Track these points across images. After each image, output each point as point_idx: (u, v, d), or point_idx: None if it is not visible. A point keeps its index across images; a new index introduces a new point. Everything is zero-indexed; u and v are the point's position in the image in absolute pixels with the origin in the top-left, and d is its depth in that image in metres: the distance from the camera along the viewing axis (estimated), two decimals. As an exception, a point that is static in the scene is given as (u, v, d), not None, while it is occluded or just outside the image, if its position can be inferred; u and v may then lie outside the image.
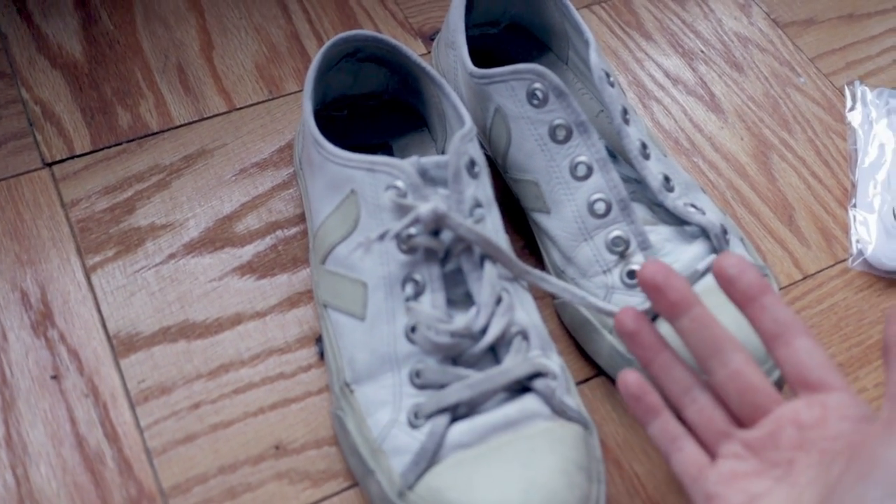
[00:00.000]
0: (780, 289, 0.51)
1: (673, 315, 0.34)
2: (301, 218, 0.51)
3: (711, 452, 0.36)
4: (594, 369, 0.47)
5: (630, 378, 0.36)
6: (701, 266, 0.44)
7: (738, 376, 0.33)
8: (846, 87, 0.61)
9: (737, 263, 0.33)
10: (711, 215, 0.46)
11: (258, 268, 0.49)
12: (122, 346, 0.46)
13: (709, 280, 0.44)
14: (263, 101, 0.57)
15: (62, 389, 0.44)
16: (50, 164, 0.52)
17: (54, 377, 0.44)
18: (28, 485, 0.41)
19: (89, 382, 0.44)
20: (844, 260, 0.52)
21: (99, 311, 0.47)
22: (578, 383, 0.47)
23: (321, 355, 0.46)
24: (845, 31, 0.64)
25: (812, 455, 0.32)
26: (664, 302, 0.34)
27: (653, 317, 0.43)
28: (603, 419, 0.45)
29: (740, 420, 0.35)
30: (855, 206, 0.54)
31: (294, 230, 0.51)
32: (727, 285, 0.34)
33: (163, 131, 0.55)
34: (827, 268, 0.52)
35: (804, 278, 0.51)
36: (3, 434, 0.43)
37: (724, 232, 0.45)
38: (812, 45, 0.63)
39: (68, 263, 0.48)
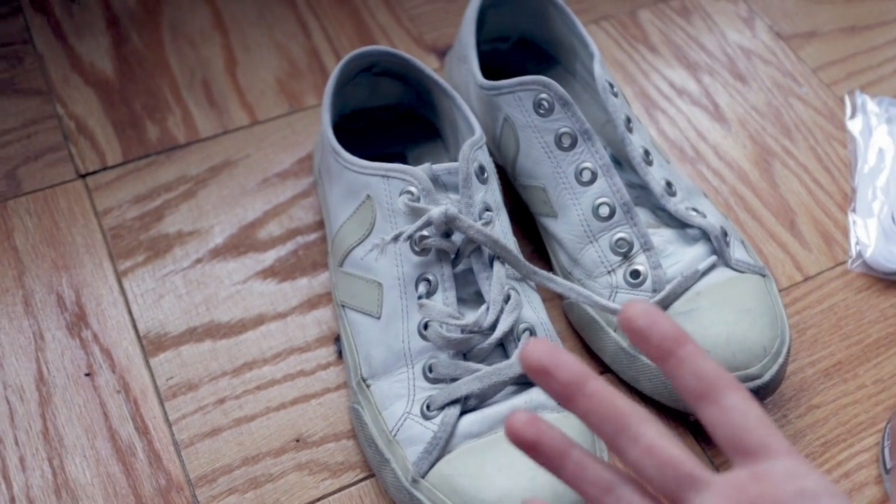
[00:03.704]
0: (781, 290, 0.53)
1: (566, 397, 0.29)
2: (320, 224, 0.54)
3: None
4: (600, 367, 0.49)
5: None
6: (701, 266, 0.46)
7: (652, 451, 0.28)
8: (847, 97, 0.62)
9: (646, 312, 0.28)
10: (712, 218, 0.48)
11: (280, 272, 0.52)
12: (152, 345, 0.48)
13: (708, 280, 0.46)
14: (284, 115, 0.60)
15: (95, 386, 0.47)
16: (84, 176, 0.55)
17: (88, 374, 0.47)
18: (64, 475, 0.44)
19: (121, 379, 0.47)
20: (844, 262, 0.54)
21: (130, 312, 0.50)
22: (585, 380, 0.48)
23: (339, 354, 0.49)
24: (846, 43, 0.66)
25: None
26: (553, 384, 0.29)
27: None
28: (609, 414, 0.47)
29: (671, 501, 0.29)
30: (855, 210, 0.56)
31: (313, 236, 0.53)
32: (637, 338, 0.29)
33: (189, 144, 0.57)
34: (827, 269, 0.54)
35: (805, 280, 0.53)
36: (41, 428, 0.45)
37: (725, 234, 0.47)
38: (814, 57, 0.65)
39: (101, 268, 0.51)
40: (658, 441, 0.28)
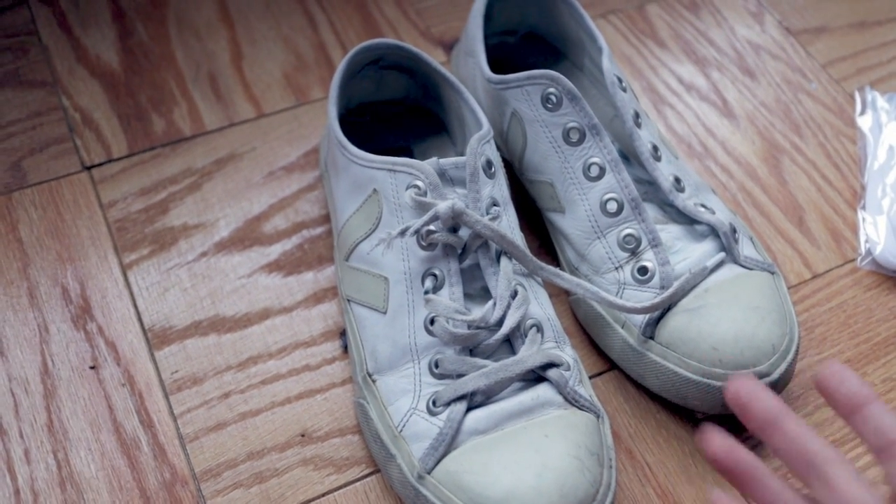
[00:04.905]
0: (790, 287, 0.52)
1: (763, 434, 0.32)
2: (326, 218, 0.54)
3: None
4: (607, 363, 0.49)
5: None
6: (710, 263, 0.46)
7: (836, 492, 0.31)
8: (857, 93, 0.62)
9: (838, 372, 0.32)
10: (721, 215, 0.48)
11: (285, 265, 0.52)
12: (157, 338, 0.48)
13: (716, 277, 0.45)
14: (290, 108, 0.59)
15: (100, 379, 0.47)
16: (89, 168, 0.55)
17: (93, 367, 0.47)
18: (69, 468, 0.44)
19: (126, 373, 0.47)
20: (853, 260, 0.54)
21: (135, 305, 0.49)
22: (592, 377, 0.48)
23: (345, 348, 0.48)
24: (856, 38, 0.66)
25: None
26: (751, 422, 0.32)
27: (664, 310, 0.45)
28: (615, 410, 0.47)
29: None
30: (864, 207, 0.55)
31: (319, 230, 0.53)
32: (828, 395, 0.33)
33: (195, 136, 0.57)
34: (836, 267, 0.53)
35: (813, 277, 0.53)
36: (46, 420, 0.45)
37: (734, 231, 0.47)
38: (823, 52, 0.65)
39: (106, 261, 0.51)
40: (845, 485, 0.31)
